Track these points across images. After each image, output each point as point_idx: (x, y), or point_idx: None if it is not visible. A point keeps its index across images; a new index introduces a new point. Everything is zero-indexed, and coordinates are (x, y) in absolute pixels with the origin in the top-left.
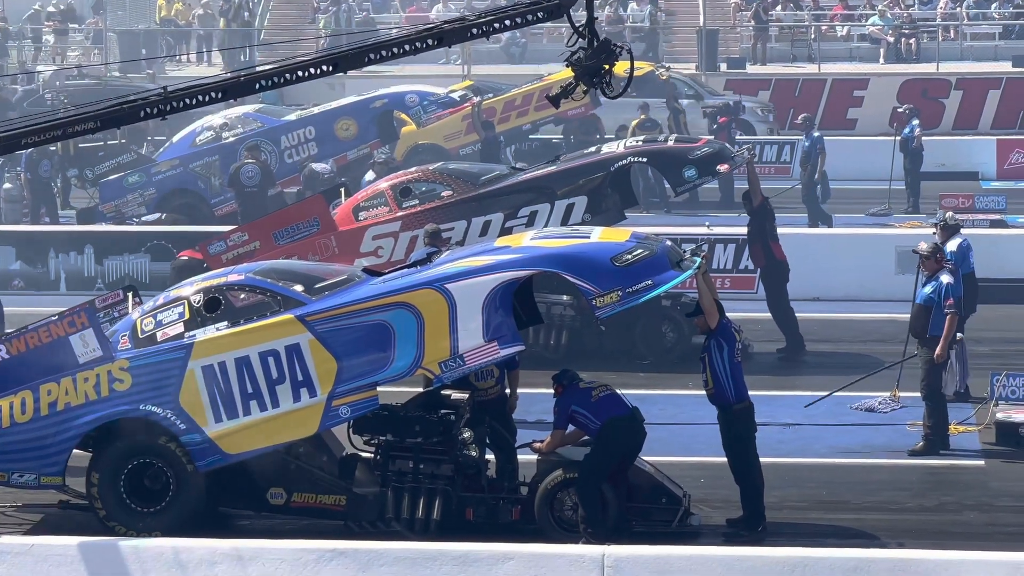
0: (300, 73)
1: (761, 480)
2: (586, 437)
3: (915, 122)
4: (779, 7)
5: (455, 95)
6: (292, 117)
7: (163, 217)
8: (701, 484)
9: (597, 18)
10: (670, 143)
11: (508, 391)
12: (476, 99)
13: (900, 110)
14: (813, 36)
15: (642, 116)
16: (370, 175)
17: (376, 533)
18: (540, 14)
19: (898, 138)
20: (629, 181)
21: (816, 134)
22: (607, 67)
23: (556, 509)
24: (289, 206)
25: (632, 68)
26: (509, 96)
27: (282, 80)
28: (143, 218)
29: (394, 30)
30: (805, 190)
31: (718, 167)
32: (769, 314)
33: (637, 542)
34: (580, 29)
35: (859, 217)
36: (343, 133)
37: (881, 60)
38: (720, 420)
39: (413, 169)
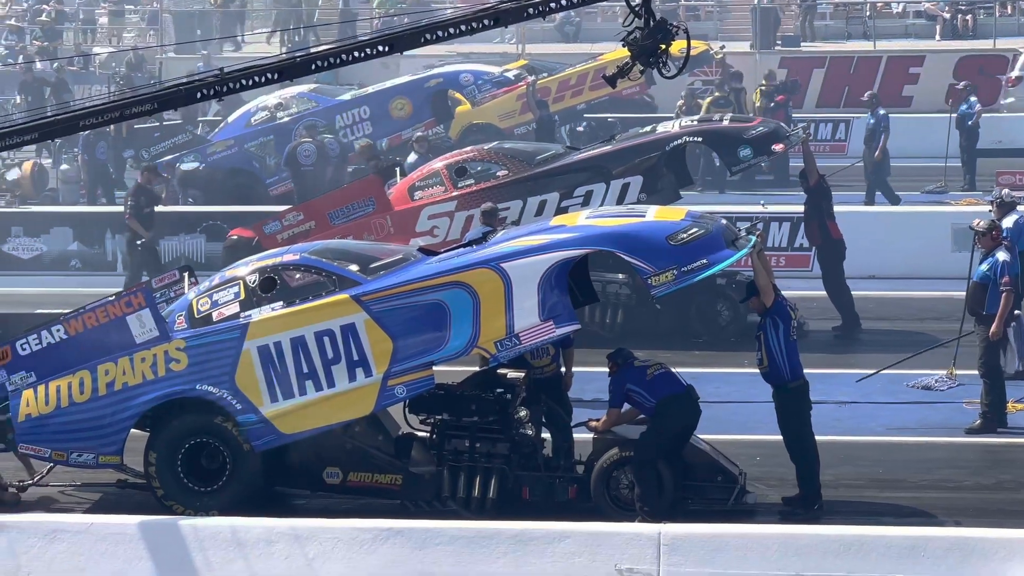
0: (356, 53)
1: (817, 458)
2: (641, 416)
3: (973, 99)
4: None
5: (509, 74)
6: (347, 97)
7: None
8: (757, 462)
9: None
10: (725, 123)
11: (563, 369)
12: (531, 78)
13: (958, 87)
14: (868, 13)
15: (716, 94)
16: (412, 157)
17: (432, 512)
18: None
19: (954, 115)
20: (684, 160)
21: (881, 112)
22: (663, 47)
23: (612, 487)
24: (344, 186)
25: (688, 48)
26: (564, 76)
27: (338, 60)
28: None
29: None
30: (869, 168)
31: (773, 146)
32: (824, 292)
33: (693, 520)
34: (636, 9)
35: (915, 195)
36: (397, 112)
37: (937, 36)
38: (775, 398)
39: (468, 148)
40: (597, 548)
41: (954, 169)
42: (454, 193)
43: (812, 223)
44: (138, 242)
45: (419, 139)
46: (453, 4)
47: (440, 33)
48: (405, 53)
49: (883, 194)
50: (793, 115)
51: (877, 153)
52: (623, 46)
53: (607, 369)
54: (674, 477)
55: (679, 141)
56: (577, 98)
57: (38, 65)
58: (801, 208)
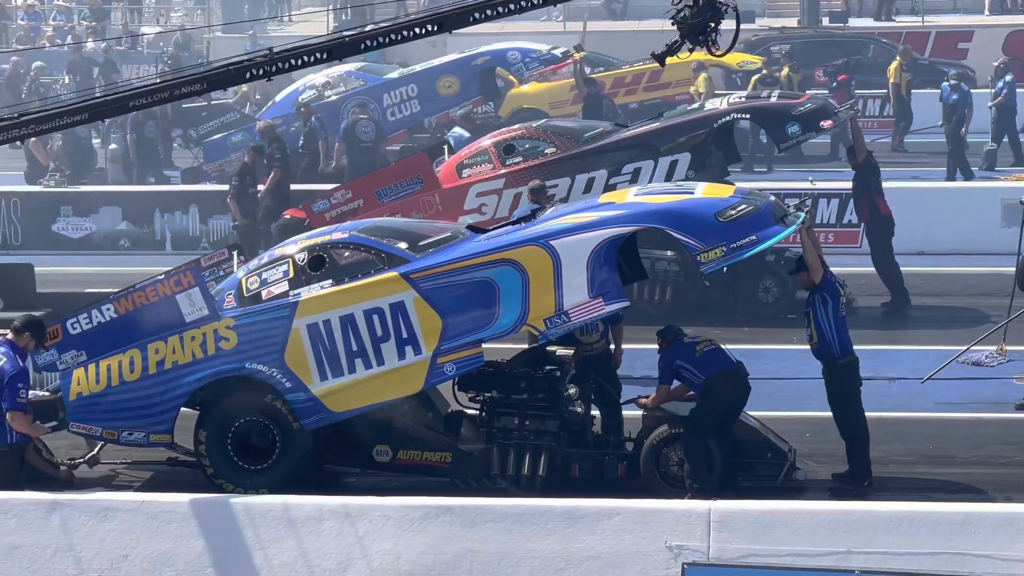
0: (405, 33)
1: (867, 434)
2: (691, 392)
3: (1008, 78)
4: None
5: (557, 52)
6: (394, 75)
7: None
8: (807, 439)
9: None
10: (773, 99)
11: (613, 347)
12: (578, 55)
13: (996, 64)
14: None
15: (764, 72)
16: (456, 131)
17: (482, 490)
18: None
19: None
20: (732, 137)
21: (966, 88)
22: (712, 25)
23: (662, 464)
24: (393, 164)
25: (738, 26)
26: (620, 72)
27: (387, 40)
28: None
29: None
30: (951, 142)
31: (822, 123)
32: (873, 269)
33: (743, 497)
34: None
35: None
36: (445, 90)
37: (986, 11)
38: (825, 374)
39: (516, 126)
40: (646, 525)
41: (1005, 146)
42: (502, 171)
43: (861, 200)
44: (233, 223)
45: (462, 116)
46: None
47: (489, 12)
48: (453, 32)
49: (960, 168)
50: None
51: (965, 129)
52: (672, 24)
53: (656, 346)
54: (724, 454)
55: (727, 118)
56: (630, 96)
57: (88, 45)
58: (849, 184)
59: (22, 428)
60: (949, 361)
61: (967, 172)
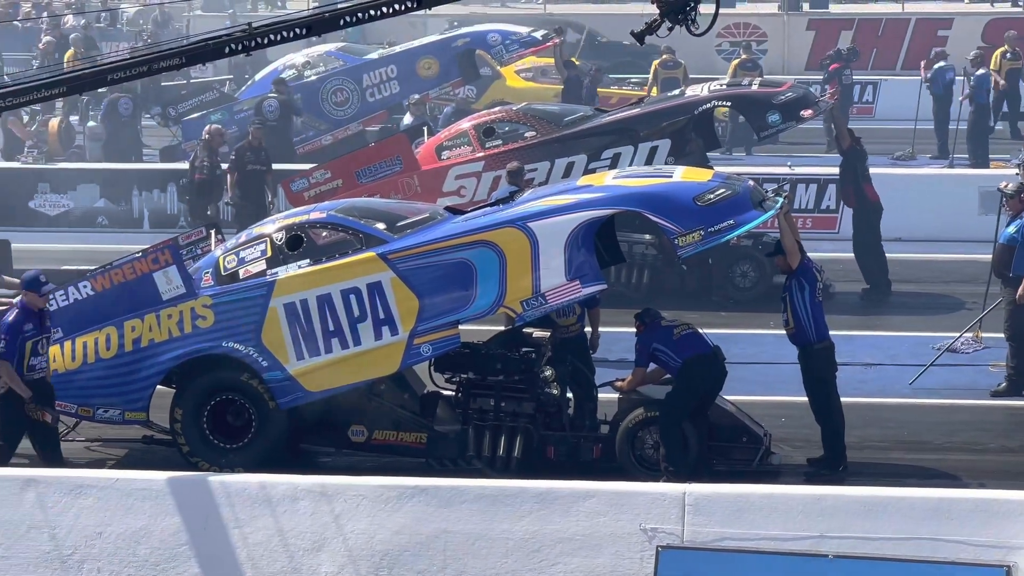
0: (384, 9)
1: (842, 420)
2: (667, 376)
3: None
4: None
5: (537, 34)
6: (374, 56)
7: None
8: (782, 424)
9: None
10: (754, 87)
11: (589, 330)
12: (558, 39)
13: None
14: None
15: (743, 56)
16: (408, 118)
17: (457, 471)
18: None
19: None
20: (713, 124)
21: (981, 72)
22: (692, 4)
23: (637, 447)
24: (372, 145)
25: (718, 6)
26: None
27: (367, 16)
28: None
29: None
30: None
31: (802, 112)
32: (852, 255)
33: (718, 481)
34: None
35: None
36: (425, 72)
37: None
38: (801, 360)
39: (496, 109)
40: (621, 508)
41: (923, 135)
42: (482, 153)
43: (847, 186)
44: (225, 200)
45: (415, 105)
46: None
47: None
48: (433, 11)
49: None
50: (851, 82)
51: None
52: (652, 2)
53: (633, 329)
54: (699, 437)
55: (707, 105)
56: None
57: (68, 22)
58: (828, 170)
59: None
60: (933, 361)
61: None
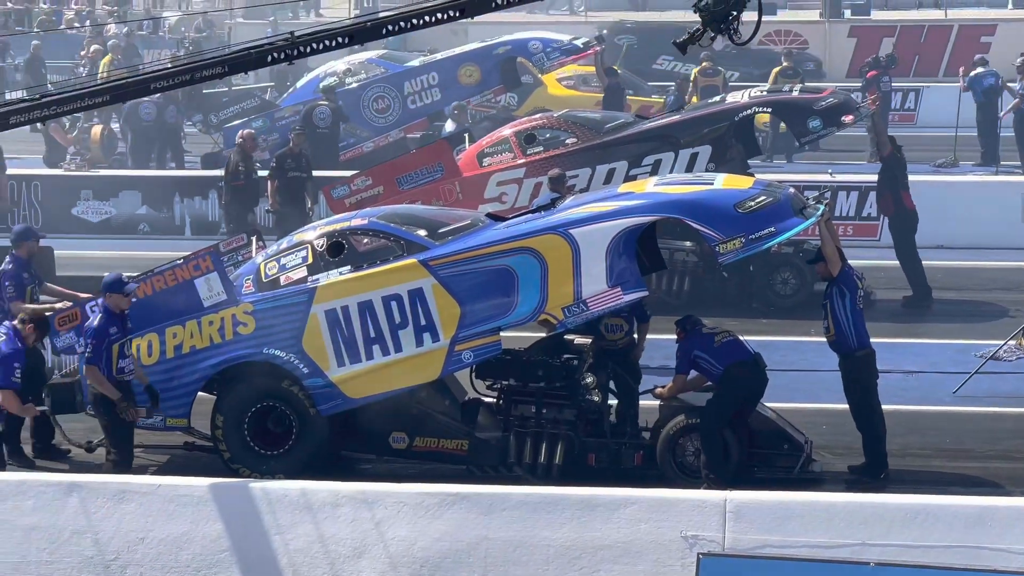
0: (427, 18)
1: (883, 427)
2: (708, 383)
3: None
4: None
5: (578, 42)
6: (415, 63)
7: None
8: (824, 431)
9: None
10: (795, 93)
11: (635, 336)
12: (599, 46)
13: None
14: None
15: (784, 64)
16: (451, 125)
17: (498, 478)
18: None
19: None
20: (753, 130)
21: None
22: (735, 13)
23: (678, 454)
24: (413, 151)
25: (760, 14)
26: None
27: (409, 25)
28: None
29: None
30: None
31: (843, 118)
32: (894, 262)
33: (759, 488)
34: None
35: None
36: (466, 79)
37: (1010, 5)
38: (842, 367)
39: (537, 116)
40: (662, 515)
41: (965, 141)
42: (523, 160)
43: (885, 194)
44: (266, 208)
45: (458, 107)
46: None
47: None
48: (475, 19)
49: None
50: (891, 88)
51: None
52: (695, 11)
53: (674, 336)
54: (740, 445)
55: (748, 111)
56: None
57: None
58: (869, 177)
59: (12, 407)
60: (977, 369)
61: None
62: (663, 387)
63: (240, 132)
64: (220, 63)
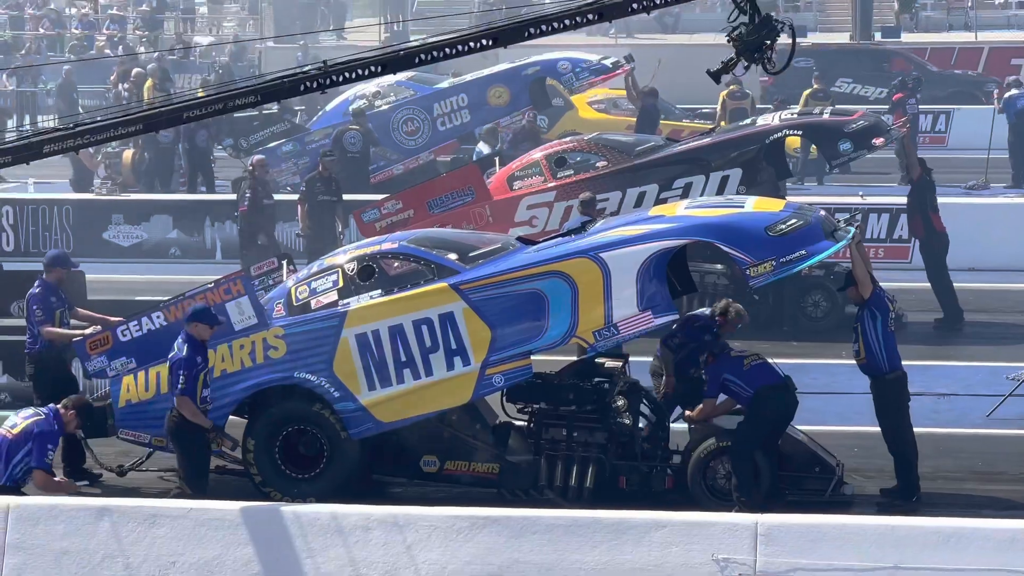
0: (460, 47)
1: (915, 450)
2: (738, 406)
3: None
4: None
5: (607, 62)
6: (444, 85)
7: None
8: (855, 453)
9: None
10: (826, 116)
11: None
12: (629, 66)
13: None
14: (970, 4)
15: (815, 86)
16: (483, 147)
17: (529, 501)
18: None
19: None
20: (784, 153)
21: None
22: (768, 43)
23: (709, 477)
24: (443, 175)
25: (794, 44)
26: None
27: (442, 54)
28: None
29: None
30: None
31: (873, 140)
32: (925, 284)
33: (790, 511)
34: (742, 4)
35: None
36: (496, 100)
37: None
38: (873, 389)
39: (568, 139)
40: (693, 538)
41: (996, 163)
42: (553, 183)
43: (916, 216)
44: (296, 232)
45: (489, 131)
46: None
47: (544, 27)
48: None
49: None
50: (917, 111)
51: None
52: (728, 41)
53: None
54: (771, 467)
55: (778, 134)
56: None
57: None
58: (900, 199)
59: (44, 487)
60: (1012, 391)
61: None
62: (693, 411)
63: (252, 159)
64: (253, 92)
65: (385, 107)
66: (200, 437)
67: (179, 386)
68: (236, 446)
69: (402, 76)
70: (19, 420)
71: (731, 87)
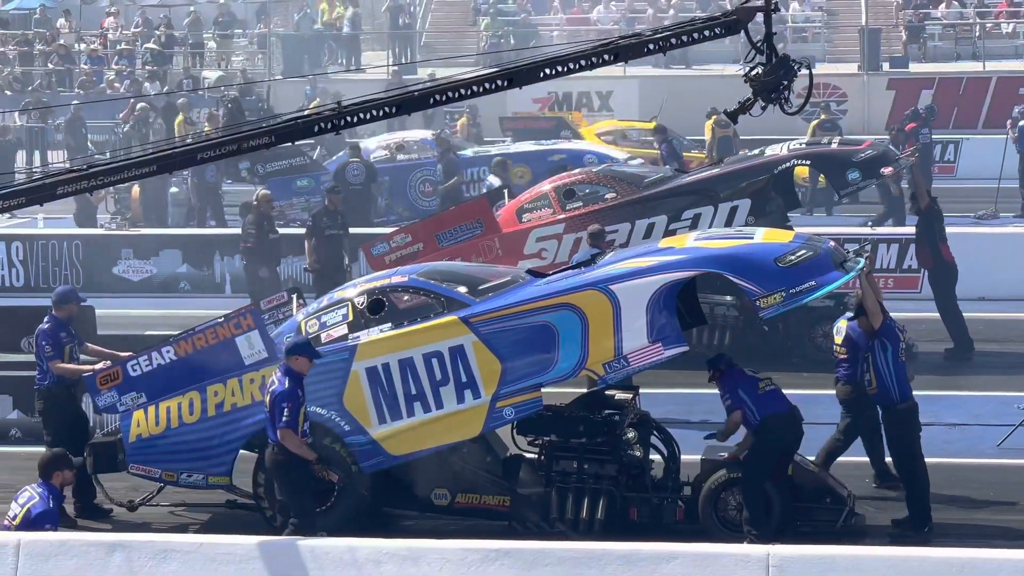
0: (475, 88)
1: (927, 480)
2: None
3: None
4: (943, 5)
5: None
6: (468, 153)
7: None
8: (866, 484)
9: (775, 33)
10: (834, 145)
11: None
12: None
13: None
14: (978, 34)
15: (822, 116)
16: (493, 180)
17: (540, 533)
18: (718, 30)
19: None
20: (793, 183)
21: None
22: (785, 83)
23: (720, 509)
24: (453, 208)
25: (811, 83)
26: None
27: (456, 95)
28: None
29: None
30: None
31: (882, 170)
32: (935, 314)
33: (802, 542)
34: (758, 45)
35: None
36: (517, 179)
37: None
38: (884, 420)
39: (577, 171)
40: (705, 569)
41: (1006, 193)
42: (562, 215)
43: (924, 246)
44: (304, 267)
45: (498, 163)
46: (560, 27)
47: (560, 68)
48: (522, 88)
49: None
50: (930, 140)
51: None
52: (745, 81)
53: (715, 391)
54: (782, 498)
55: (787, 164)
56: None
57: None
58: (909, 230)
59: None
60: (1021, 422)
61: None
62: (721, 431)
63: (256, 193)
64: (267, 133)
65: (406, 161)
66: (305, 470)
67: (283, 418)
68: (341, 479)
69: (429, 134)
70: (18, 509)
71: (715, 116)
